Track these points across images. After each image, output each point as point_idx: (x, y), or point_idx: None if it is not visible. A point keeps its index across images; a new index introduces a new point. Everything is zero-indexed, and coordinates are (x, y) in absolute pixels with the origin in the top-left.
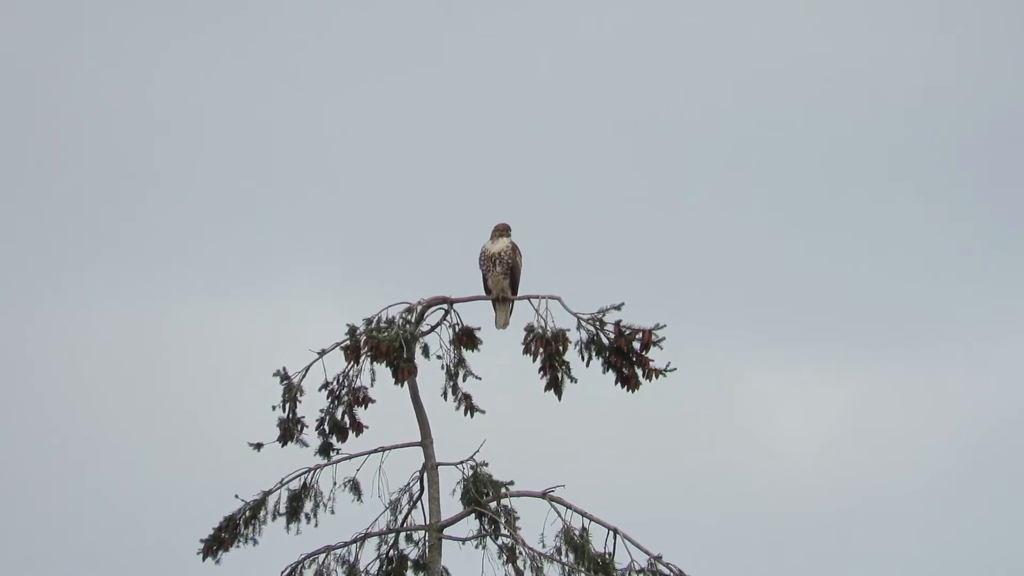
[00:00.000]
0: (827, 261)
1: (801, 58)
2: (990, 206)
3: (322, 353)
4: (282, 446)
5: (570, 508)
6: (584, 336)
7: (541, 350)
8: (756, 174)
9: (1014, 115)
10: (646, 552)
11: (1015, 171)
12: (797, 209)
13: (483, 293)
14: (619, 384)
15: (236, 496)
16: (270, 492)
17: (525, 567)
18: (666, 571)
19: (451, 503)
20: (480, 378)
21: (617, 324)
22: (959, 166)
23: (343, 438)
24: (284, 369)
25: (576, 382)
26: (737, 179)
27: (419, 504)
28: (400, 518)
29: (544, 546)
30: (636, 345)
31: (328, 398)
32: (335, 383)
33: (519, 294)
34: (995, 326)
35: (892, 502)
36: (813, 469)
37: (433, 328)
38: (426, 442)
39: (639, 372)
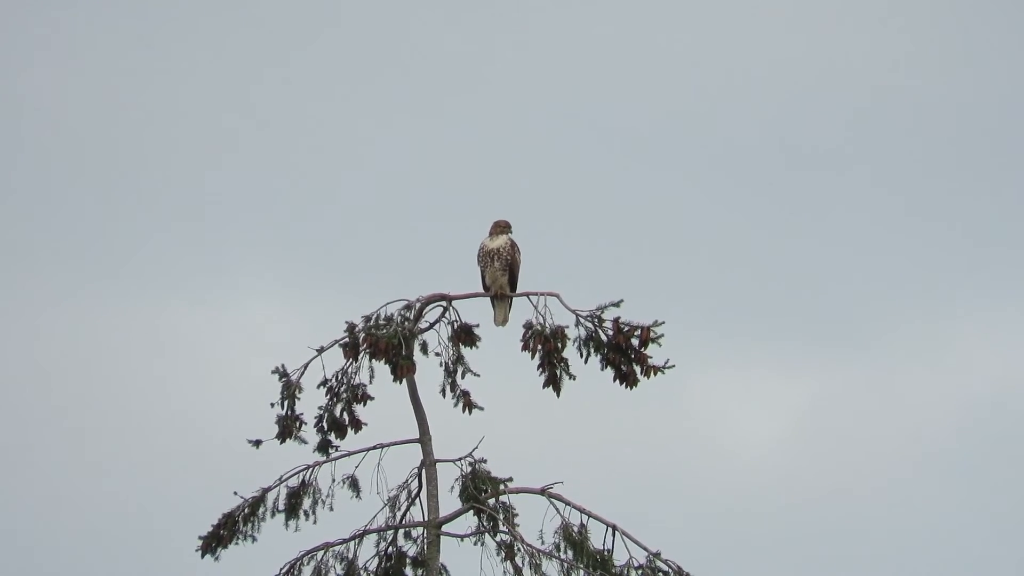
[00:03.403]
0: (786, 261)
1: (779, 62)
2: (946, 207)
3: (321, 350)
4: (281, 443)
5: (569, 504)
6: (583, 333)
7: (540, 347)
8: (717, 175)
9: (973, 116)
10: (645, 548)
11: (971, 173)
12: (755, 208)
13: (482, 290)
14: (618, 381)
15: (235, 493)
16: (269, 489)
17: (524, 564)
18: (665, 567)
19: (450, 500)
20: (479, 375)
21: (616, 321)
22: (914, 168)
23: (342, 435)
24: (283, 366)
25: (575, 379)
26: (698, 179)
27: (418, 501)
28: (399, 515)
29: (543, 543)
30: (635, 342)
31: (327, 395)
32: (334, 380)
33: (518, 291)
34: (950, 325)
35: (897, 500)
36: (813, 468)
37: (432, 325)
38: (425, 439)
39: (638, 369)
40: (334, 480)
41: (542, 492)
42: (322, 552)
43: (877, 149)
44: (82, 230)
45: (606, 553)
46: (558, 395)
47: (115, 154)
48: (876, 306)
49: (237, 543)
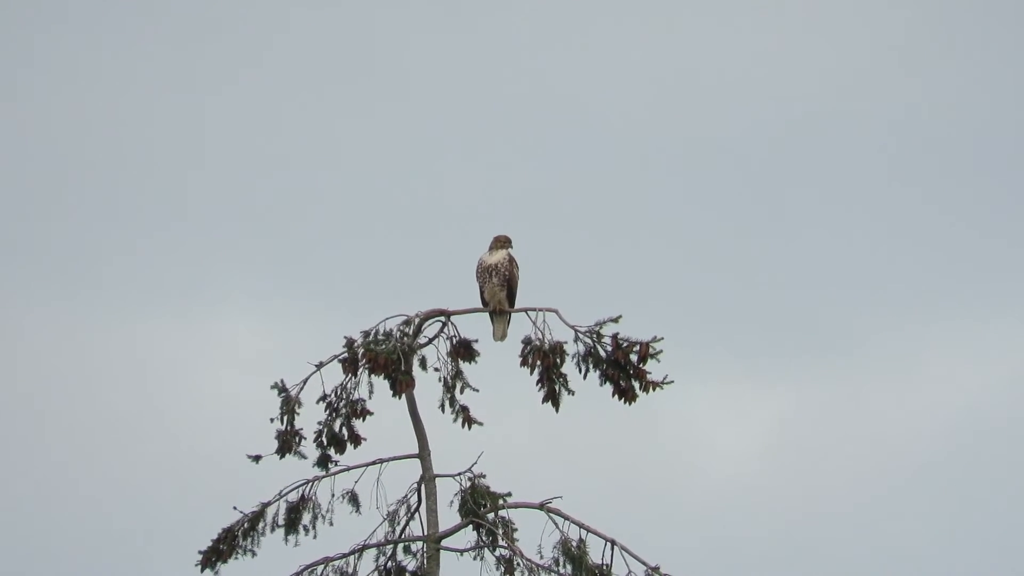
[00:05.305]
0: (759, 273)
1: (778, 68)
2: (925, 219)
3: (320, 366)
4: (280, 458)
5: (568, 519)
6: (581, 348)
7: (539, 362)
8: (691, 186)
9: (961, 126)
10: (644, 563)
11: (948, 186)
12: (730, 222)
13: (481, 305)
14: (616, 396)
15: (235, 508)
16: (268, 504)
17: None
18: None
19: (449, 515)
20: (478, 390)
21: (615, 337)
22: (891, 182)
23: (341, 450)
24: (282, 381)
25: (573, 394)
26: (671, 191)
27: (417, 516)
28: (398, 530)
29: (542, 557)
30: (633, 357)
31: (326, 410)
32: (333, 395)
33: (516, 306)
34: (928, 337)
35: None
36: (816, 480)
37: (431, 340)
38: (424, 454)
39: (636, 384)
40: (334, 495)
41: (541, 507)
42: (322, 567)
43: (859, 160)
44: (63, 241)
45: (605, 568)
46: (557, 410)
47: (96, 163)
48: (855, 319)
49: (237, 558)
